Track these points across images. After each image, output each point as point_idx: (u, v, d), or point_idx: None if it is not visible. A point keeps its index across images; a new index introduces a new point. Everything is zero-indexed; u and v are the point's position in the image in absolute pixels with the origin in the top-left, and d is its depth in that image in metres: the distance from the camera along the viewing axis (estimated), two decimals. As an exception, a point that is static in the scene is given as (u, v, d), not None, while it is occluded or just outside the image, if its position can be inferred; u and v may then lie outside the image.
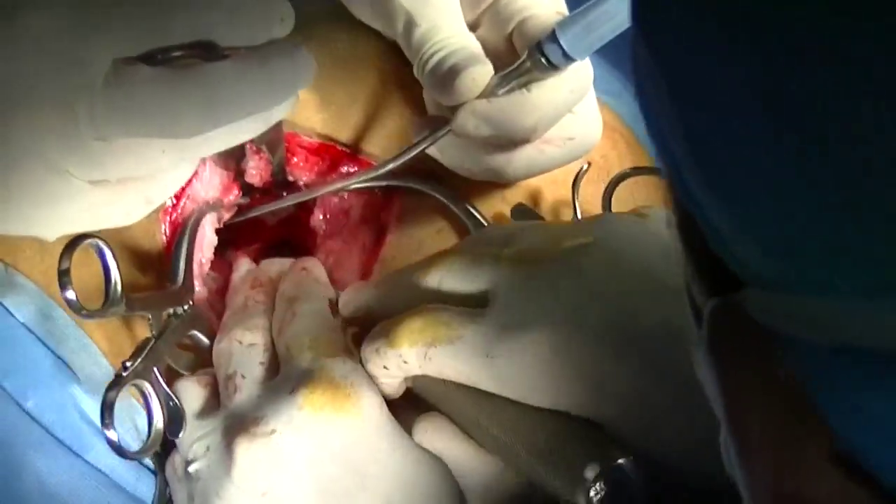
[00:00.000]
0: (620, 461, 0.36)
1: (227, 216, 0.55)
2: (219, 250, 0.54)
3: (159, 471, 0.47)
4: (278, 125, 0.53)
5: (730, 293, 0.23)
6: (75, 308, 0.41)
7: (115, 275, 0.43)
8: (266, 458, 0.42)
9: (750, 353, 0.23)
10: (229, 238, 0.56)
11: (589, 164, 0.54)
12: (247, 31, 0.41)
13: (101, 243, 0.42)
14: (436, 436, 0.44)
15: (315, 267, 0.52)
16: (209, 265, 0.53)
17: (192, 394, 0.46)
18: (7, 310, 0.47)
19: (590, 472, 0.36)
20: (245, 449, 0.42)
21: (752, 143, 0.20)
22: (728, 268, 0.22)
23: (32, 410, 0.46)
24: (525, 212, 0.54)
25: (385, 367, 0.44)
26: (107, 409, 0.42)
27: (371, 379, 0.44)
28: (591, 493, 0.36)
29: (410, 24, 0.49)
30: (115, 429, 0.42)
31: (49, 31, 0.38)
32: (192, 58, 0.40)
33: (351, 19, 0.55)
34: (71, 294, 0.41)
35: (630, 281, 0.40)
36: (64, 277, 0.41)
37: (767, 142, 0.19)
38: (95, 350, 0.48)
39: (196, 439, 0.44)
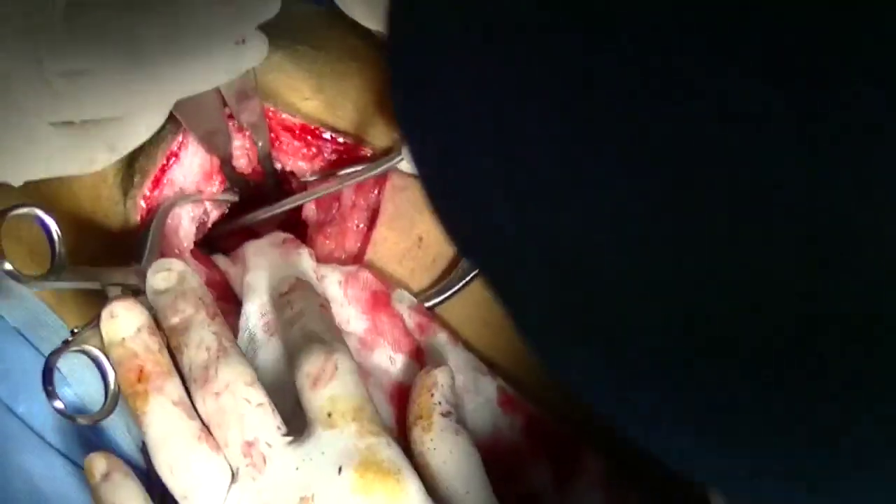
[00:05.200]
0: None
1: (215, 212, 0.54)
2: (208, 251, 0.54)
3: (151, 473, 0.46)
4: (259, 106, 0.52)
5: None
6: (15, 277, 0.41)
7: (57, 241, 0.42)
8: None
9: None
10: (220, 240, 0.55)
11: None
12: None
13: (38, 212, 0.42)
14: None
15: (305, 257, 0.52)
16: (188, 253, 0.53)
17: (207, 467, 0.43)
18: (-2, 313, 0.47)
19: None
20: None
21: None
22: None
23: (24, 415, 0.46)
24: None
25: None
26: (48, 374, 0.41)
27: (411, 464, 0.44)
28: None
29: None
30: (59, 396, 0.41)
31: None
32: None
33: (342, 19, 0.54)
34: (7, 265, 0.40)
35: None
36: None
37: None
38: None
39: None
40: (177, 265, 0.46)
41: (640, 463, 0.51)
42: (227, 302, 0.51)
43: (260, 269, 0.50)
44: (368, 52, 0.56)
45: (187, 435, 0.43)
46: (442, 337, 0.52)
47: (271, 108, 0.54)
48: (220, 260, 0.53)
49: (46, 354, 0.46)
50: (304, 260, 0.51)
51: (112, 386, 0.44)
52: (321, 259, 0.54)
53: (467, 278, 0.53)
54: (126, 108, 0.41)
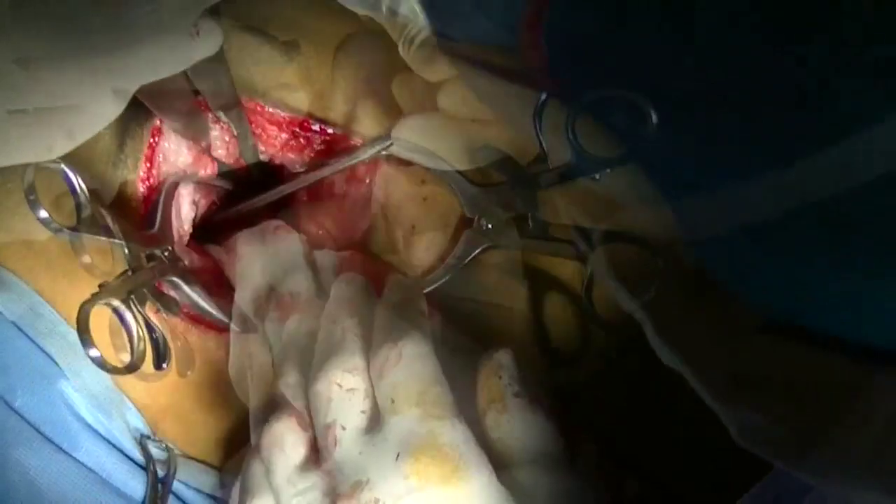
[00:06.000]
0: None
1: (203, 201, 0.54)
2: (202, 241, 0.54)
3: (149, 468, 0.46)
4: (234, 93, 0.52)
5: None
6: (48, 224, 0.41)
7: (81, 195, 0.43)
8: None
9: None
10: (215, 231, 0.56)
11: (548, 95, 0.50)
12: None
13: (64, 166, 0.42)
14: None
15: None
16: (188, 238, 0.53)
17: (292, 441, 0.44)
18: (-5, 307, 0.47)
19: None
20: None
21: None
22: None
23: (21, 408, 0.46)
24: (492, 151, 0.53)
25: None
26: (83, 324, 0.41)
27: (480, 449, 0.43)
28: None
29: (395, 3, 0.48)
30: (94, 345, 0.41)
31: None
32: None
33: (334, 12, 0.54)
34: (43, 213, 0.41)
35: None
36: (31, 196, 0.40)
37: None
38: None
39: (295, 494, 0.43)
40: None
41: (633, 449, 0.52)
42: (221, 288, 0.52)
43: (252, 256, 0.51)
44: (358, 40, 0.56)
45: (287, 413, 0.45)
46: (434, 321, 0.51)
47: (259, 104, 0.54)
48: (214, 249, 0.54)
49: (43, 347, 0.47)
50: (295, 244, 0.52)
51: (136, 340, 0.44)
52: (317, 248, 0.55)
53: (461, 265, 0.53)
54: (80, 97, 0.41)
